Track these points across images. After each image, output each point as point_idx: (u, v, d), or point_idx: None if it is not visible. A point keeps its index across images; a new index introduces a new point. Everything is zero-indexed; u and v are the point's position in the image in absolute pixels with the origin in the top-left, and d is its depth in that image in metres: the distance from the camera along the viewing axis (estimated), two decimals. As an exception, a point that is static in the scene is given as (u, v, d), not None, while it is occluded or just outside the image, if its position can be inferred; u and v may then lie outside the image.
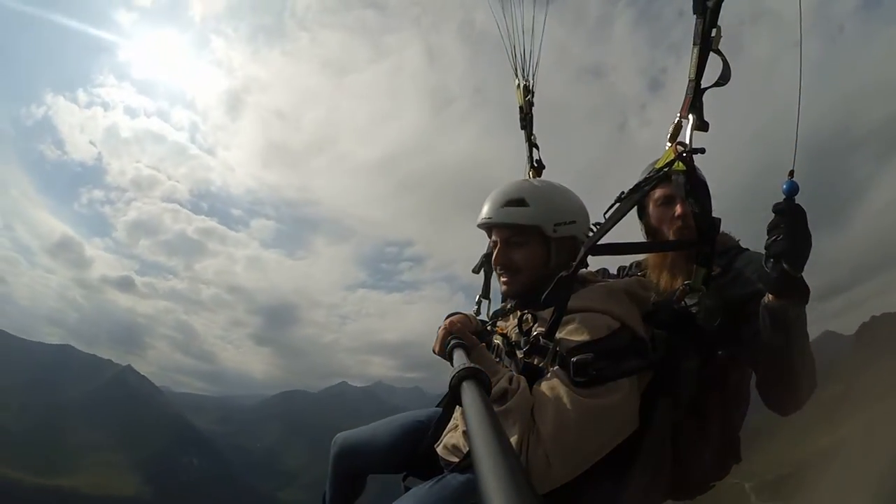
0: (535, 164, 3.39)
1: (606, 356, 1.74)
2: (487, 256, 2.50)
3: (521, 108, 3.43)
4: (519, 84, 3.42)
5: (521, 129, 3.43)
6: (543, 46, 3.33)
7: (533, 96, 3.41)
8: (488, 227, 2.21)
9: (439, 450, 2.12)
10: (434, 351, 2.09)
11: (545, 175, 3.38)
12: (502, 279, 2.23)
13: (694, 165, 1.89)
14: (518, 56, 3.35)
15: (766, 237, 1.80)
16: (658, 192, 2.37)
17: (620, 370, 1.76)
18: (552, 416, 1.67)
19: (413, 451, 2.31)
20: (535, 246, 2.10)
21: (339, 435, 2.59)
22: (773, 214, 1.79)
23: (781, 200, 1.79)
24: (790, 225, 1.74)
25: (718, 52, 1.79)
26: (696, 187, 1.92)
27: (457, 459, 1.98)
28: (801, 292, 1.81)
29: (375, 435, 2.51)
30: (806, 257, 1.77)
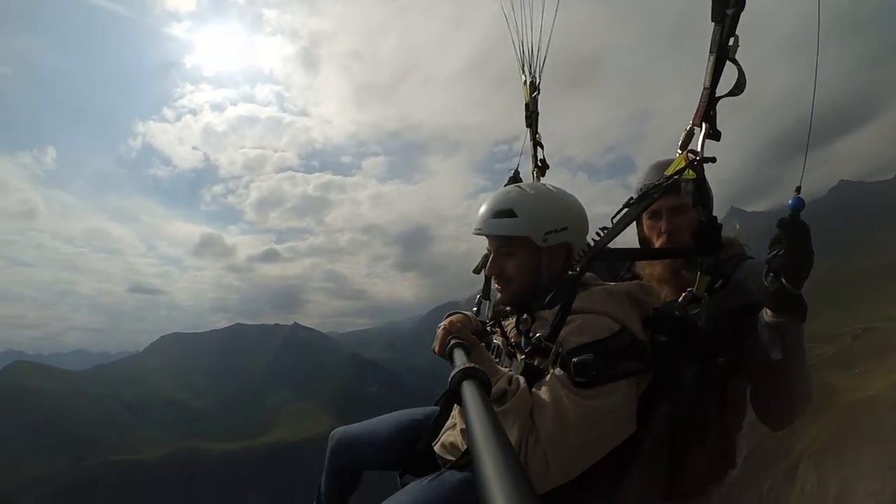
0: (540, 164, 3.38)
1: (606, 357, 1.78)
2: (486, 258, 2.46)
3: (526, 105, 3.40)
4: (525, 80, 3.39)
5: (527, 126, 3.41)
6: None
7: (539, 93, 3.37)
8: (482, 236, 2.24)
9: (437, 448, 2.20)
10: (434, 350, 2.11)
11: (549, 175, 3.42)
12: (497, 287, 2.29)
13: (704, 175, 1.95)
14: (525, 51, 3.30)
15: (769, 250, 1.85)
16: (655, 204, 2.31)
17: (620, 372, 1.79)
18: (551, 417, 1.71)
19: (410, 449, 2.38)
20: (525, 256, 2.12)
21: (336, 430, 2.68)
22: (778, 229, 1.84)
23: (787, 216, 1.84)
24: (792, 241, 1.79)
25: (735, 62, 1.82)
26: (704, 196, 1.97)
27: (454, 458, 2.06)
28: (798, 309, 1.86)
29: (373, 431, 2.59)
30: (806, 275, 1.83)
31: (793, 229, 1.81)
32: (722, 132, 1.93)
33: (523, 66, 3.35)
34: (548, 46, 3.17)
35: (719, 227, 1.99)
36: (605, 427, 1.75)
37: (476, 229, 2.17)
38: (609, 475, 1.88)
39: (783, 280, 1.81)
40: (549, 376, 1.82)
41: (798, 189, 1.83)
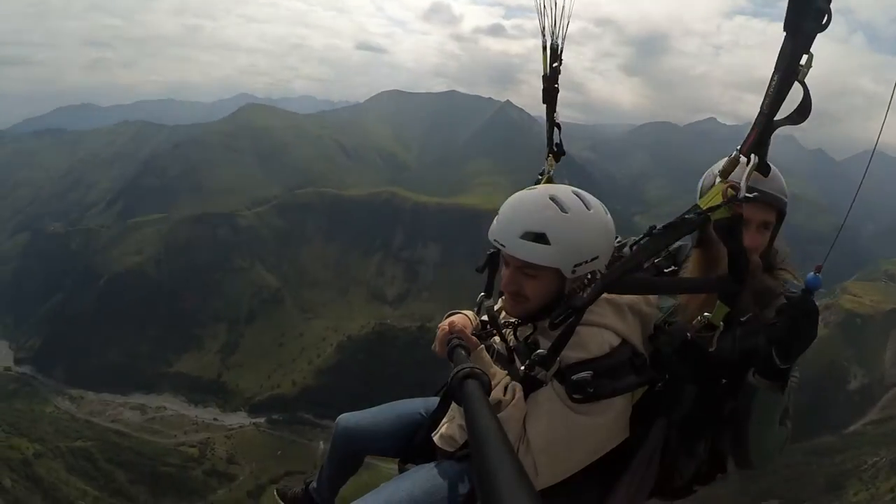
0: (556, 149, 3.07)
1: (605, 374, 1.87)
2: (492, 256, 2.47)
3: (543, 77, 3.00)
4: (546, 45, 2.99)
5: (543, 103, 3.01)
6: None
7: (561, 63, 2.99)
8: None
9: (436, 438, 2.35)
10: (434, 350, 2.24)
11: (564, 162, 3.11)
12: (507, 299, 2.21)
13: (740, 213, 1.80)
14: (550, 10, 2.91)
15: (773, 316, 1.88)
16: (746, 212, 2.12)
17: (617, 388, 1.90)
18: (544, 430, 1.89)
19: (410, 438, 2.58)
20: (548, 282, 2.05)
21: (342, 416, 2.82)
22: (786, 300, 1.84)
23: (798, 292, 1.82)
24: (796, 320, 1.80)
25: (803, 84, 1.62)
26: (734, 235, 1.84)
27: (452, 449, 2.24)
28: (779, 381, 1.91)
29: (376, 420, 2.75)
30: (798, 354, 1.88)
31: (801, 309, 1.79)
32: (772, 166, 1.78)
33: (544, 29, 2.90)
34: (572, 4, 2.76)
35: (747, 266, 1.89)
36: (595, 439, 1.94)
37: (497, 241, 2.05)
38: (601, 478, 2.07)
39: (774, 354, 1.84)
40: (546, 388, 1.94)
41: (819, 268, 1.79)
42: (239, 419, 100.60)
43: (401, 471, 2.45)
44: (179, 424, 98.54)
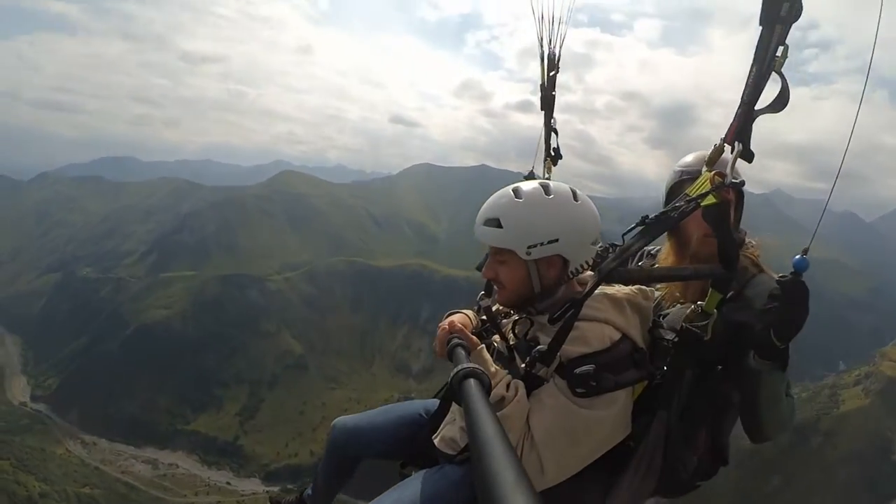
0: (553, 153, 3.23)
1: (606, 368, 1.90)
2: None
3: (541, 85, 3.17)
4: (543, 54, 3.14)
5: (541, 109, 3.18)
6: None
7: (558, 72, 3.15)
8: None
9: (437, 441, 2.33)
10: (434, 350, 2.26)
11: (560, 166, 3.24)
12: (495, 289, 2.39)
13: (728, 200, 1.95)
14: (546, 20, 3.07)
15: (766, 302, 1.99)
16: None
17: (619, 382, 1.93)
18: (548, 425, 1.89)
19: (410, 441, 2.56)
20: (514, 265, 2.18)
21: (338, 419, 2.80)
22: (777, 285, 1.96)
23: (789, 274, 1.95)
24: (790, 302, 1.93)
25: (780, 75, 1.74)
26: (724, 223, 1.97)
27: (453, 452, 2.21)
28: (780, 361, 2.04)
29: (374, 422, 2.73)
30: (795, 333, 1.99)
31: (793, 290, 1.94)
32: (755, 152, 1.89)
33: (541, 39, 3.05)
34: (569, 14, 2.93)
35: (736, 251, 2.02)
36: (600, 435, 1.94)
37: (475, 235, 2.25)
38: (605, 474, 2.07)
39: (772, 336, 1.97)
40: (548, 385, 1.97)
41: (805, 250, 1.95)
42: (252, 486, 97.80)
43: (400, 475, 2.46)
44: (191, 484, 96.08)
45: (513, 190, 2.19)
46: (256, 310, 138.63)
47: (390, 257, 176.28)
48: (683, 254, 2.53)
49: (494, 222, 2.13)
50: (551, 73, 3.11)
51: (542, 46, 3.11)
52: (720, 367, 2.21)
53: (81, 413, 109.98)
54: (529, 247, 2.09)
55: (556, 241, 2.10)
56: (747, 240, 2.52)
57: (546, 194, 2.15)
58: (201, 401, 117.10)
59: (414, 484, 2.18)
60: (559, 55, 3.13)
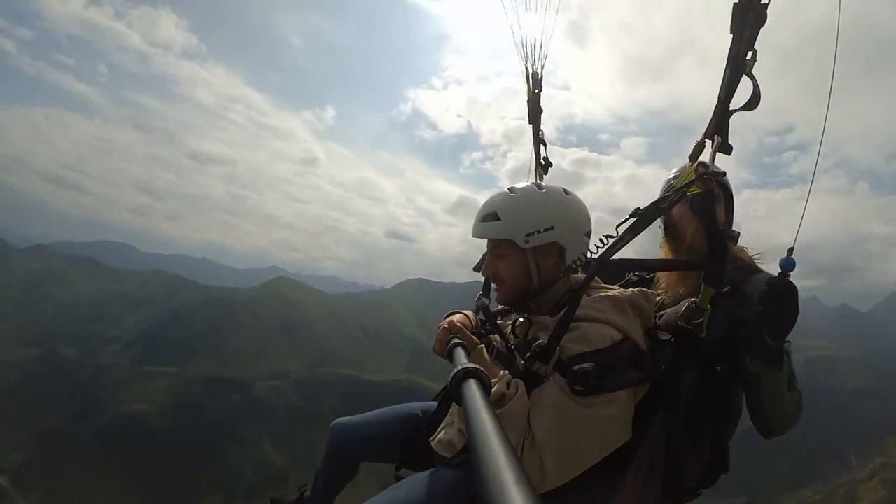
0: (543, 162, 3.45)
1: (606, 367, 1.92)
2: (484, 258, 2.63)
3: (528, 101, 3.40)
4: (527, 73, 3.36)
5: (529, 123, 3.42)
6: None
7: (541, 90, 3.39)
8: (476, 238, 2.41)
9: (434, 444, 2.36)
10: (434, 350, 2.32)
11: (551, 173, 3.43)
12: (494, 287, 2.48)
13: (712, 189, 2.05)
14: (527, 43, 3.29)
15: (758, 303, 2.10)
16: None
17: (619, 381, 1.94)
18: (549, 423, 1.88)
19: (407, 443, 2.58)
20: (513, 257, 2.28)
21: (336, 421, 2.85)
22: (766, 286, 2.08)
23: (777, 275, 2.07)
24: (779, 301, 2.04)
25: (751, 77, 1.91)
26: (709, 209, 2.08)
27: (451, 455, 2.22)
28: (775, 360, 2.15)
29: (373, 424, 2.77)
30: (787, 332, 2.12)
31: (782, 289, 2.05)
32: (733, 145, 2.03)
33: (527, 58, 3.33)
34: (551, 33, 3.13)
35: (724, 239, 2.08)
36: (600, 435, 1.93)
37: (472, 233, 2.33)
38: (605, 478, 2.02)
39: (766, 336, 2.08)
40: (548, 383, 1.97)
41: (791, 250, 2.06)
42: None
43: (396, 478, 2.45)
44: None
45: (508, 189, 2.34)
46: (238, 415, 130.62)
47: (381, 371, 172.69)
48: (680, 249, 2.71)
49: (492, 216, 2.25)
50: (536, 91, 3.41)
51: (525, 66, 3.37)
52: (720, 367, 2.27)
53: (45, 494, 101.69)
54: (527, 234, 2.20)
55: (552, 228, 2.22)
56: (740, 243, 2.74)
57: (539, 189, 2.33)
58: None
59: (408, 486, 2.17)
60: (542, 75, 3.43)
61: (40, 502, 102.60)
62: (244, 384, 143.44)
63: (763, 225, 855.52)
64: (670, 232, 2.77)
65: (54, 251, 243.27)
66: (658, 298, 2.59)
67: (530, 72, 3.37)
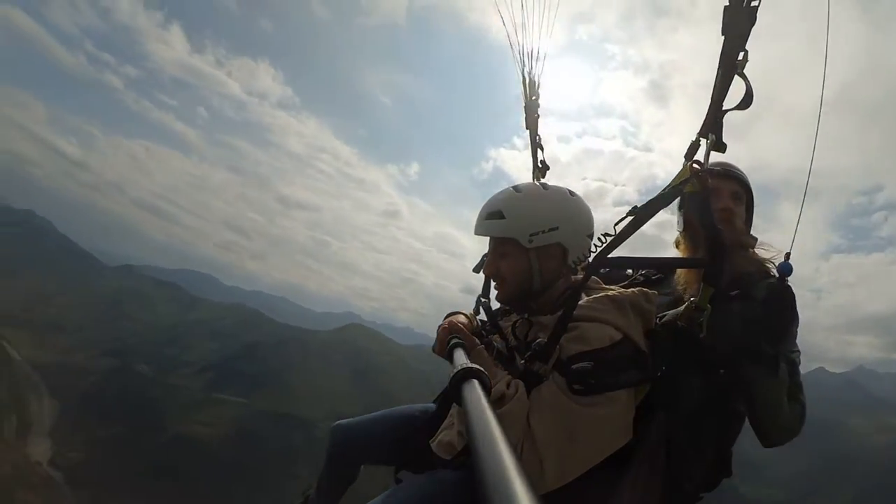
0: (541, 165, 3.56)
1: (606, 366, 1.94)
2: (485, 258, 2.65)
3: (525, 106, 3.51)
4: (525, 80, 3.49)
5: (526, 128, 3.55)
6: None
7: (539, 97, 3.51)
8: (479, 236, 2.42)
9: (434, 446, 2.36)
10: (434, 350, 2.34)
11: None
12: (494, 286, 2.49)
13: (707, 186, 2.04)
14: (523, 51, 3.38)
15: (757, 308, 2.15)
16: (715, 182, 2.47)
17: (619, 381, 1.96)
18: (549, 423, 1.90)
19: (407, 446, 2.58)
20: (516, 256, 2.29)
21: (337, 423, 2.85)
22: (764, 291, 2.14)
23: (775, 279, 2.15)
24: (776, 307, 2.10)
25: (743, 77, 1.94)
26: (705, 207, 2.07)
27: (451, 457, 2.23)
28: (770, 366, 2.16)
29: (372, 427, 2.79)
30: (783, 338, 2.16)
31: (779, 295, 2.12)
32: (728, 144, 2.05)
33: (524, 63, 3.38)
34: (549, 36, 3.19)
35: (721, 237, 2.09)
36: (600, 435, 1.94)
37: (475, 232, 2.35)
38: (605, 480, 2.04)
39: (762, 340, 2.11)
40: (547, 382, 2.00)
41: (787, 255, 2.14)
42: None
43: (396, 480, 2.50)
44: None
45: (512, 187, 2.34)
46: (297, 452, 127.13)
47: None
48: (696, 244, 2.60)
49: (497, 215, 2.25)
50: (532, 98, 3.46)
51: (522, 73, 3.42)
52: (722, 371, 2.25)
53: (94, 495, 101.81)
54: (531, 234, 2.20)
55: (556, 228, 2.22)
56: (758, 247, 2.65)
57: (544, 189, 2.34)
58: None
59: (406, 488, 2.20)
60: (539, 83, 3.44)
61: (87, 502, 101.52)
62: (307, 422, 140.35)
63: (854, 292, 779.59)
64: (689, 228, 2.73)
65: (141, 273, 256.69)
66: (664, 300, 2.55)
67: (527, 79, 3.46)
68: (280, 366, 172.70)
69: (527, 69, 3.40)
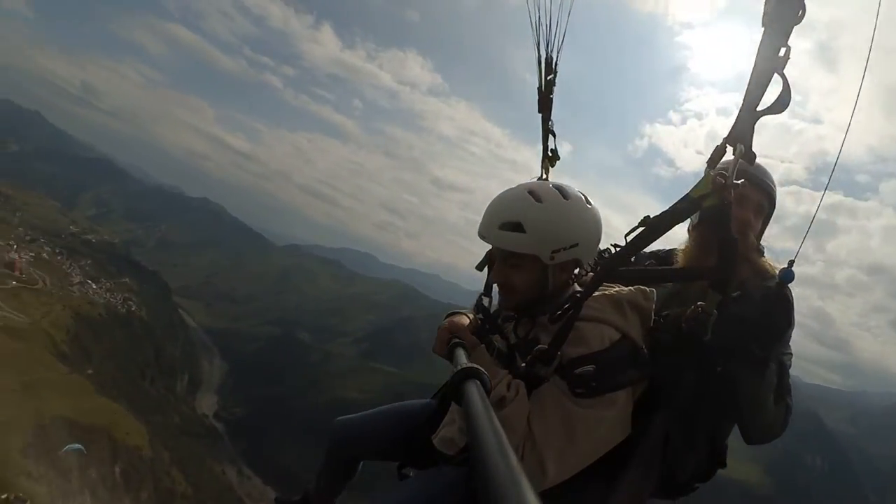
0: (551, 154, 3.32)
1: (607, 369, 1.95)
2: (489, 256, 2.55)
3: (538, 88, 3.25)
4: (540, 59, 3.22)
5: (539, 112, 3.30)
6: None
7: (556, 76, 3.25)
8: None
9: (435, 442, 2.39)
10: (434, 350, 2.31)
11: (559, 167, 3.31)
12: (500, 293, 2.39)
13: (729, 201, 1.87)
14: (542, 25, 3.13)
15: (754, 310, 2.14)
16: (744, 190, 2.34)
17: (619, 382, 1.98)
18: (550, 426, 1.92)
19: (409, 441, 2.60)
20: (531, 270, 2.18)
21: (337, 420, 2.86)
22: (762, 296, 2.15)
23: (775, 283, 2.13)
24: (771, 310, 2.11)
25: (782, 75, 1.72)
26: (723, 219, 1.94)
27: (452, 453, 2.26)
28: (756, 367, 2.17)
29: (373, 423, 2.79)
30: (774, 341, 2.17)
31: (775, 299, 2.12)
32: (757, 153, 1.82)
33: (538, 43, 3.13)
34: (568, 17, 2.98)
35: (736, 251, 1.99)
36: (600, 435, 1.97)
37: (482, 237, 2.23)
38: (604, 475, 2.07)
39: (752, 343, 2.12)
40: (548, 385, 2.00)
41: (791, 262, 2.09)
42: None
43: (400, 476, 2.54)
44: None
45: (529, 192, 2.18)
46: None
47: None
48: (708, 248, 2.43)
49: (515, 227, 2.11)
50: (549, 77, 3.20)
51: (538, 51, 3.13)
52: (720, 368, 2.25)
53: (250, 447, 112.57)
54: (553, 252, 2.10)
55: (577, 245, 2.13)
56: (767, 256, 2.61)
57: (564, 198, 2.17)
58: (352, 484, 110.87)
59: (411, 485, 2.26)
60: (557, 60, 3.13)
61: (244, 452, 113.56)
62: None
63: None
64: (703, 227, 2.66)
65: (306, 252, 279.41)
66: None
67: (544, 56, 3.15)
68: (430, 338, 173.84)
69: (544, 46, 3.06)
